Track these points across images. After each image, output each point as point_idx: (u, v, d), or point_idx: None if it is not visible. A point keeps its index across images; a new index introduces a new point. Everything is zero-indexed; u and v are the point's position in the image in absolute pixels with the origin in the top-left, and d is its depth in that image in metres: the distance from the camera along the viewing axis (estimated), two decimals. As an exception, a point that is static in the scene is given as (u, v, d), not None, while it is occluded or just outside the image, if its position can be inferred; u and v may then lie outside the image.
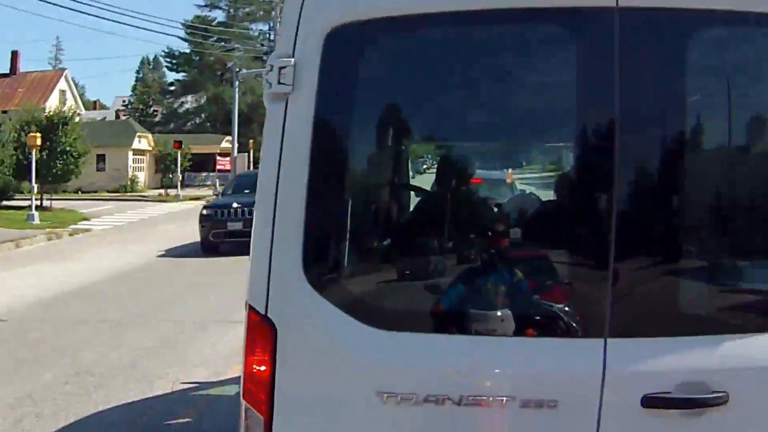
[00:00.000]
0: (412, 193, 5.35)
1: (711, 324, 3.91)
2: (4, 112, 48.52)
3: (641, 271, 3.96)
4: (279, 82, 3.90)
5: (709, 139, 4.26)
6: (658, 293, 3.97)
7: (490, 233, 4.47)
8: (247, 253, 4.23)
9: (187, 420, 9.62)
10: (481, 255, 4.30)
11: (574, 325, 3.90)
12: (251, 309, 3.97)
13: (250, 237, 4.06)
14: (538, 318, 4.07)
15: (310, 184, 3.87)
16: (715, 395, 3.57)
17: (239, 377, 4.27)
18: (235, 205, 29.60)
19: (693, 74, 4.15)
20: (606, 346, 3.69)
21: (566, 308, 3.97)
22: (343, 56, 4.08)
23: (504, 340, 3.93)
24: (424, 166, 5.69)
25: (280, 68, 3.89)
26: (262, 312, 3.94)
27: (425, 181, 5.20)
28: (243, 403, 4.04)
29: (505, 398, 3.72)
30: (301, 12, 3.97)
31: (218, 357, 12.56)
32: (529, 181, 5.34)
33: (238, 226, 30.22)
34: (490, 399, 3.76)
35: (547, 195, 4.82)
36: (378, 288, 4.33)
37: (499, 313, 3.97)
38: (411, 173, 5.63)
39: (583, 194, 4.15)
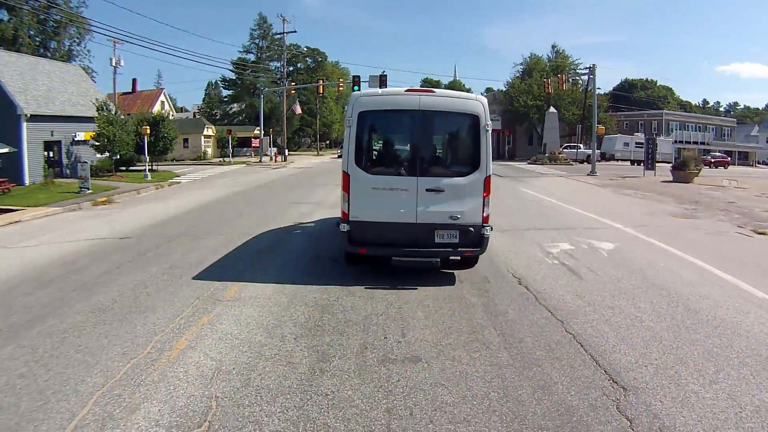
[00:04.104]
0: (378, 149, 11.11)
1: (439, 173, 10.06)
2: (129, 114, 47.87)
3: (424, 166, 9.96)
4: (348, 124, 9.98)
5: (436, 141, 10.89)
6: (428, 168, 10.00)
7: (398, 158, 10.69)
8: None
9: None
10: (400, 162, 10.46)
11: (411, 172, 9.91)
12: (344, 171, 9.94)
13: None
14: (412, 168, 10.01)
15: (355, 146, 9.89)
16: (441, 189, 9.82)
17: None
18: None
19: (437, 128, 10.59)
20: (418, 178, 9.81)
21: (417, 168, 9.93)
22: (363, 119, 9.97)
23: (402, 176, 10.00)
24: (382, 142, 11.19)
25: (348, 118, 9.95)
26: (346, 170, 9.88)
27: (381, 147, 11.15)
28: (342, 193, 10.07)
29: (408, 188, 9.84)
30: (353, 107, 9.97)
31: (252, 251, 12.54)
32: (403, 149, 10.86)
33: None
34: (406, 189, 9.86)
35: (406, 153, 10.55)
36: (374, 165, 10.38)
37: (409, 167, 10.05)
38: (380, 143, 11.20)
39: (411, 152, 10.19)
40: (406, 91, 10.28)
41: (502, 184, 34.45)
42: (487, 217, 10.01)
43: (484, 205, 9.94)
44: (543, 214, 20.21)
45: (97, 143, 38.57)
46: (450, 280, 10.42)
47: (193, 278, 10.56)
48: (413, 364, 6.57)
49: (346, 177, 9.92)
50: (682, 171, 38.40)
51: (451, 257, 10.45)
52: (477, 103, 10.09)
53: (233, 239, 14.38)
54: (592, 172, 44.89)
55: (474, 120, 9.97)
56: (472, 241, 9.96)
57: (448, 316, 8.35)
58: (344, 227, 9.97)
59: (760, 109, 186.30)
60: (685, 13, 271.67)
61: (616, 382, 6.15)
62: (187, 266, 11.48)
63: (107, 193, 27.24)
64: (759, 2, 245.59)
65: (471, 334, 7.60)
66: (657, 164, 45.66)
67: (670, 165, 44.46)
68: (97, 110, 38.80)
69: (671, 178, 38.89)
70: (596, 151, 50.71)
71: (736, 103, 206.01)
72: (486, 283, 10.32)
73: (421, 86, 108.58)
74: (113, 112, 39.96)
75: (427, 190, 9.81)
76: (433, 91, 10.47)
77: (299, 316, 8.32)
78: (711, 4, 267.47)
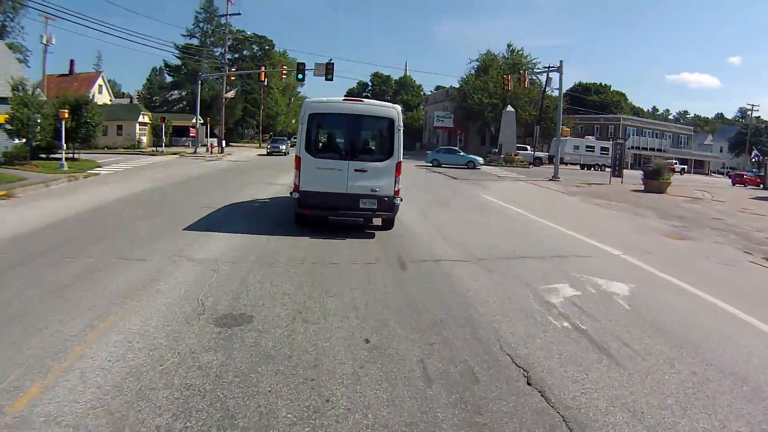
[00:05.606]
0: (322, 140, 15.56)
1: (365, 159, 14.41)
2: (57, 97, 43.46)
3: (354, 153, 14.40)
4: (301, 122, 14.24)
5: (363, 136, 15.31)
6: (357, 155, 14.38)
7: (336, 146, 15.34)
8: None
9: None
10: (337, 150, 15.04)
11: (344, 157, 14.33)
12: (296, 155, 14.11)
13: None
14: (345, 154, 14.47)
15: (306, 137, 14.19)
16: (365, 170, 14.11)
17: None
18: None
19: (364, 127, 15.01)
20: (349, 161, 14.16)
21: (349, 154, 14.38)
22: (312, 119, 14.26)
23: (337, 160, 14.32)
24: (325, 136, 15.71)
25: (302, 117, 14.26)
26: (299, 154, 14.08)
27: (324, 138, 15.78)
28: (295, 171, 14.12)
29: (341, 169, 14.08)
30: (305, 110, 14.38)
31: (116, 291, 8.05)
32: (340, 141, 15.36)
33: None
34: (340, 169, 14.07)
35: (341, 143, 15.07)
36: (318, 151, 14.66)
37: (343, 153, 14.56)
38: (323, 136, 15.74)
39: (345, 143, 14.84)
40: (343, 99, 15.37)
41: (460, 189, 31.09)
42: (398, 191, 14.22)
43: (395, 182, 14.11)
44: (517, 232, 16.65)
45: (10, 127, 34.01)
46: (412, 387, 5.67)
47: (38, 323, 6.68)
48: None
49: (298, 159, 14.06)
50: (654, 180, 35.44)
51: (372, 218, 15.13)
52: (393, 110, 14.49)
53: (101, 266, 10.11)
54: (555, 177, 41.88)
55: (390, 122, 14.27)
56: (387, 207, 14.23)
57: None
58: (295, 195, 14.07)
59: (710, 118, 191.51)
60: (637, 21, 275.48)
61: None
62: (6, 318, 7.13)
63: (10, 185, 22.50)
64: (711, 14, 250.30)
65: None
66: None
67: (641, 173, 41.31)
68: (12, 90, 34.49)
69: (642, 187, 36.02)
70: (558, 154, 47.53)
71: (686, 112, 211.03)
72: (473, 384, 5.84)
73: (370, 81, 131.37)
74: (30, 93, 35.45)
75: (355, 170, 14.05)
76: (363, 101, 15.91)
77: None
78: (664, 14, 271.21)
